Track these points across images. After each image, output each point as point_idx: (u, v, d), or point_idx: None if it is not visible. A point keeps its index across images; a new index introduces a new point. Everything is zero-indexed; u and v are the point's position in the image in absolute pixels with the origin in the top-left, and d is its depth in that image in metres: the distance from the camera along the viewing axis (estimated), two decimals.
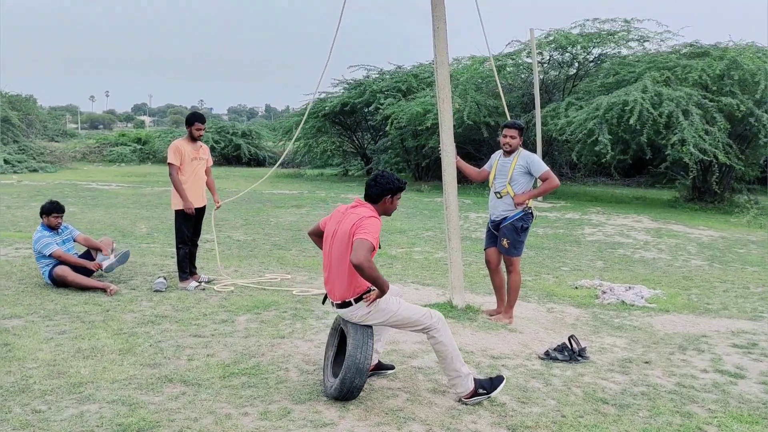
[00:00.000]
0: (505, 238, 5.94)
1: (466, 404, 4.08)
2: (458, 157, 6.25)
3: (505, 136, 5.99)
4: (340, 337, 4.35)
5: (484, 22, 7.06)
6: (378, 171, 4.30)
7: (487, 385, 4.13)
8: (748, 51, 16.70)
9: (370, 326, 4.15)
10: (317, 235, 4.44)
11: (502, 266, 6.17)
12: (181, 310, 6.02)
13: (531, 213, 5.99)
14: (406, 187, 4.29)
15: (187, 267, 6.97)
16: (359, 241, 3.88)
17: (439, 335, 4.08)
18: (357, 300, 4.08)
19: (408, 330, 4.24)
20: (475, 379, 4.13)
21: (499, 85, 8.72)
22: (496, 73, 8.67)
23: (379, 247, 3.99)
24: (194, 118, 6.98)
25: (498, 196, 6.00)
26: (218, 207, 7.50)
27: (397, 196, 4.24)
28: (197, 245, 7.27)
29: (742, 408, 4.20)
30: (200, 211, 7.13)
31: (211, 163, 7.32)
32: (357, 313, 4.10)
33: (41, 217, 6.98)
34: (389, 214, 4.31)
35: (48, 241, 6.78)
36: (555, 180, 5.90)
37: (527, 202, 5.92)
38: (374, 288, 4.02)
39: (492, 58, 8.24)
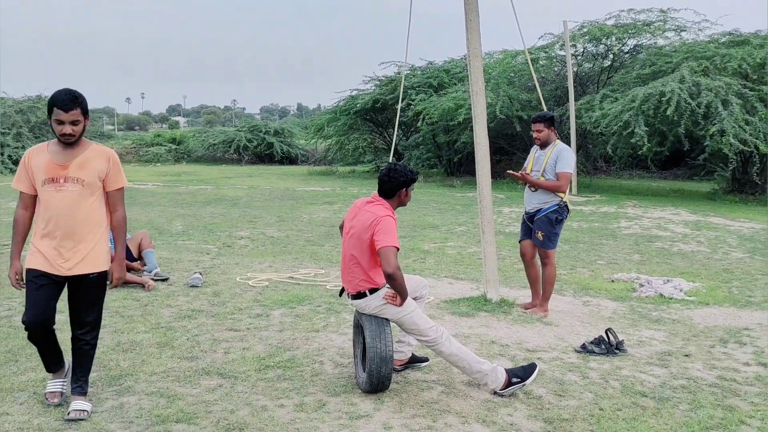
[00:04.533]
0: (540, 230, 5.89)
1: (502, 396, 4.04)
2: (528, 174, 5.98)
3: (533, 131, 5.99)
4: (362, 332, 4.36)
5: (517, 14, 6.99)
6: (390, 164, 4.28)
7: (520, 374, 4.10)
8: None
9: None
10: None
11: (537, 259, 6.12)
12: (217, 304, 6.09)
13: (566, 206, 5.93)
14: (418, 177, 4.28)
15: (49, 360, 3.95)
16: (385, 250, 3.90)
17: (444, 348, 4.08)
18: (372, 291, 4.10)
19: (413, 336, 4.23)
20: (506, 370, 4.10)
21: (534, 76, 8.64)
22: (531, 65, 8.59)
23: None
24: (51, 103, 3.51)
25: (532, 188, 5.96)
26: (113, 285, 3.81)
27: (411, 187, 4.25)
28: (84, 341, 3.83)
29: None
30: (80, 283, 3.71)
31: (121, 184, 3.75)
32: (371, 304, 4.11)
33: None
34: (405, 205, 4.32)
35: None
36: (564, 186, 5.83)
37: (563, 196, 5.85)
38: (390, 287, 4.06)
39: (527, 50, 8.13)
